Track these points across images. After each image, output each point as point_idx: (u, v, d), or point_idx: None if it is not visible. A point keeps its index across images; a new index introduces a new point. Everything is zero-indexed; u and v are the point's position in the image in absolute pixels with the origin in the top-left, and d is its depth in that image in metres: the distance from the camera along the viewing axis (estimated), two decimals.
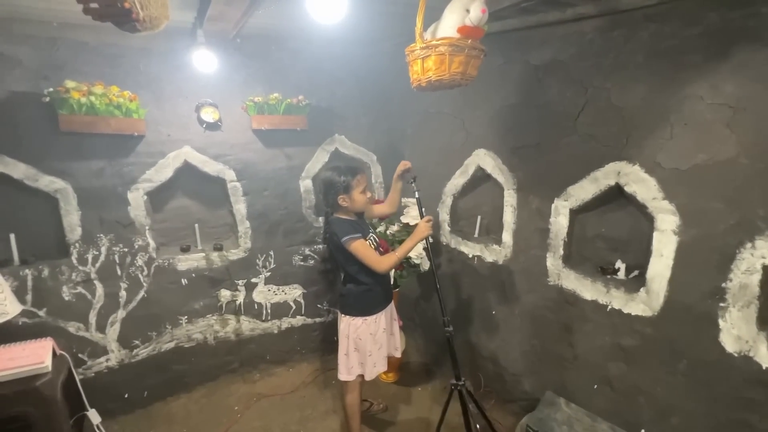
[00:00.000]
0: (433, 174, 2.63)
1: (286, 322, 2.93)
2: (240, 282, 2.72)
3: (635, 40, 1.58)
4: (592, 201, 1.83)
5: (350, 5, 1.32)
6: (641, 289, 1.66)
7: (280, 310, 2.90)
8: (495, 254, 2.31)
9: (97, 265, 2.26)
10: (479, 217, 2.51)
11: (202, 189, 2.62)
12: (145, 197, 2.37)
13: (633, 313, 1.70)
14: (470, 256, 2.48)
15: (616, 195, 1.77)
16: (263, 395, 2.62)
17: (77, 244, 2.19)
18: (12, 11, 1.88)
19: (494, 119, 2.20)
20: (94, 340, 2.30)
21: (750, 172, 1.33)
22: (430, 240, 2.58)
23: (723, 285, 1.42)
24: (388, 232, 2.63)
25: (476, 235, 2.53)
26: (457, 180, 2.51)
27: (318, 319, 3.04)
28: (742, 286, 1.37)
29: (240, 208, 2.65)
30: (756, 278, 1.34)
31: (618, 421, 1.78)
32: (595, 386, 1.89)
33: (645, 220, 1.70)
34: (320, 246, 2.95)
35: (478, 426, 1.81)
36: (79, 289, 2.22)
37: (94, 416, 1.91)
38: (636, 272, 1.79)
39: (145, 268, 2.41)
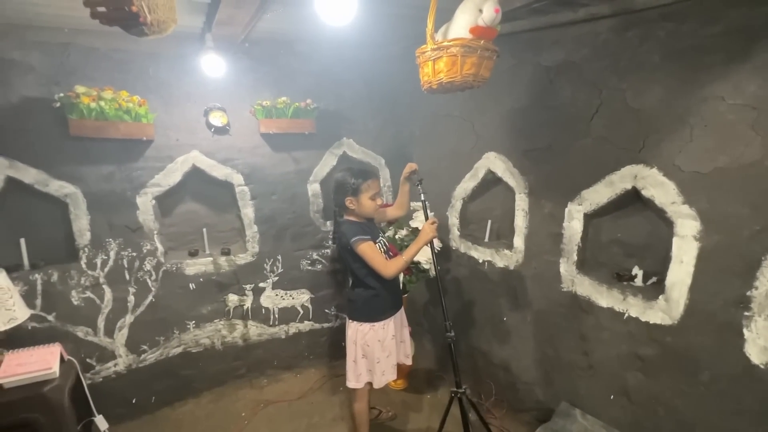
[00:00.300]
0: (442, 177, 2.60)
1: (293, 327, 2.90)
2: (248, 286, 2.71)
3: (651, 40, 1.54)
4: (607, 205, 1.78)
5: (359, 8, 1.30)
6: (660, 297, 1.61)
7: (287, 314, 2.87)
8: (506, 259, 2.27)
9: (106, 269, 2.27)
10: (489, 222, 2.47)
11: (210, 193, 2.62)
12: (154, 202, 2.37)
13: (651, 322, 1.64)
14: (480, 261, 2.43)
15: (632, 199, 1.72)
16: (270, 401, 2.60)
17: (86, 249, 2.20)
18: (25, 18, 1.90)
19: (505, 121, 2.16)
20: (102, 344, 2.30)
21: None
22: (440, 244, 2.59)
23: (748, 293, 1.36)
24: (396, 236, 2.60)
25: (486, 240, 2.48)
26: (467, 183, 2.47)
27: (326, 324, 3.02)
28: None
29: (248, 212, 2.64)
30: None
31: None
32: (612, 397, 1.83)
33: (663, 225, 1.64)
34: (328, 250, 2.93)
35: None
36: (88, 294, 2.23)
37: (101, 422, 1.92)
38: (654, 279, 1.73)
39: (153, 273, 2.41)
